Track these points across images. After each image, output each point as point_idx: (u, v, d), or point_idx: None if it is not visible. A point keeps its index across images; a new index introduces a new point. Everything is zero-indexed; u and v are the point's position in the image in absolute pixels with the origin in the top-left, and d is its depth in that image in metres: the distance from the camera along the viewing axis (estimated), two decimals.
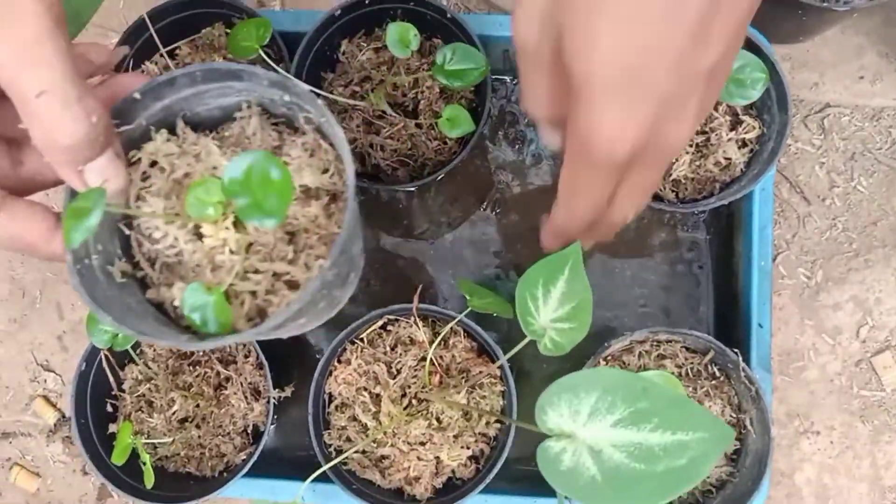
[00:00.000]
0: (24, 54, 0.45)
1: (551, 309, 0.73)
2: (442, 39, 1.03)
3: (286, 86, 0.56)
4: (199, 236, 0.56)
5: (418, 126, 1.00)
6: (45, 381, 1.18)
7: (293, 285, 0.56)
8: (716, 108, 0.96)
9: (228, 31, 1.04)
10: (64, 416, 1.18)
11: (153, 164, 0.57)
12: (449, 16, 0.97)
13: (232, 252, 0.55)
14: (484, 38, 0.97)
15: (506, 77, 1.10)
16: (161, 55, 1.02)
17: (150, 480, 0.91)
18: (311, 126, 0.60)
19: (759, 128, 0.97)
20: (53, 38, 0.45)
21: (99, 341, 0.90)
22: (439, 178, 0.98)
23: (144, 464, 0.91)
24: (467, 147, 0.96)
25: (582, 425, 0.57)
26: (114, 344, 0.90)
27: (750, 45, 0.94)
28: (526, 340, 0.77)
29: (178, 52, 1.04)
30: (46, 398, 1.18)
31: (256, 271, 0.55)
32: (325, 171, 0.59)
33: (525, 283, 0.74)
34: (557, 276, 0.73)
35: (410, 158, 1.01)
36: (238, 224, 0.54)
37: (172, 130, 0.58)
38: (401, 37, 0.94)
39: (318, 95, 0.96)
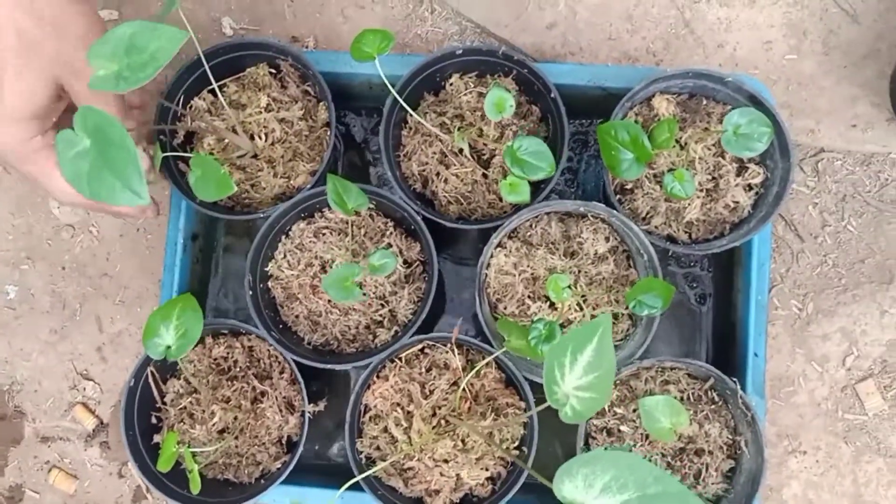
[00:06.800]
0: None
1: (576, 376, 0.74)
2: (540, 109, 1.11)
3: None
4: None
5: (484, 176, 1.07)
6: (85, 389, 1.26)
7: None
8: (723, 156, 1.05)
9: (272, 70, 1.12)
10: (102, 423, 1.25)
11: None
12: (552, 95, 1.05)
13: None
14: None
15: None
16: (209, 91, 1.10)
17: (196, 487, 0.98)
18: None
19: (764, 173, 1.06)
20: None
21: (154, 353, 0.96)
22: (482, 226, 1.06)
23: (191, 471, 0.98)
24: (517, 214, 1.03)
25: (593, 498, 0.62)
26: (167, 355, 0.97)
27: (753, 101, 1.03)
28: (546, 404, 0.78)
29: (225, 89, 1.11)
30: (86, 405, 1.25)
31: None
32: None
33: (554, 351, 0.75)
34: (586, 344, 0.74)
35: (465, 200, 1.09)
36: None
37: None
38: (498, 102, 1.01)
39: (411, 116, 1.07)
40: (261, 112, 1.09)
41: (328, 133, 1.09)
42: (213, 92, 1.09)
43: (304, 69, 1.10)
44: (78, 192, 0.76)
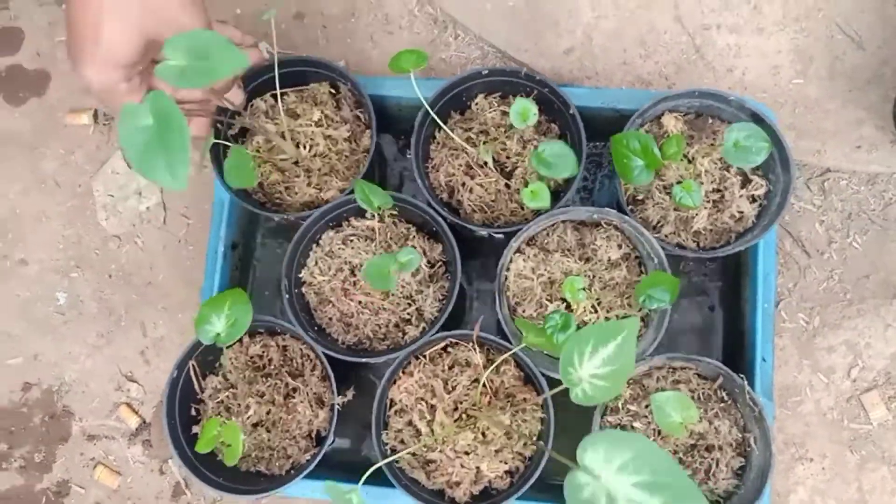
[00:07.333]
0: None
1: (594, 365, 0.81)
2: (559, 126, 1.19)
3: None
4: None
5: (507, 186, 1.15)
6: (129, 390, 1.33)
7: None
8: (728, 170, 1.12)
9: (332, 90, 1.22)
10: (145, 422, 1.32)
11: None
12: (571, 112, 1.13)
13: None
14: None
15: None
16: (272, 95, 1.20)
17: (232, 458, 1.03)
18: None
19: (766, 185, 1.13)
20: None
21: (205, 338, 1.04)
22: (505, 231, 1.13)
23: (229, 446, 1.04)
24: (538, 219, 1.10)
25: (610, 473, 0.68)
26: (217, 340, 1.05)
27: (755, 119, 1.10)
28: (563, 387, 0.86)
29: (285, 97, 1.21)
30: (129, 405, 1.33)
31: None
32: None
33: (576, 339, 0.82)
34: (610, 340, 0.80)
35: (489, 208, 1.17)
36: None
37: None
38: (523, 111, 1.09)
39: (439, 131, 1.17)
40: (311, 125, 1.18)
41: (366, 159, 1.17)
42: (274, 97, 1.19)
43: (359, 96, 1.19)
44: (126, 158, 0.85)
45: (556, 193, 1.14)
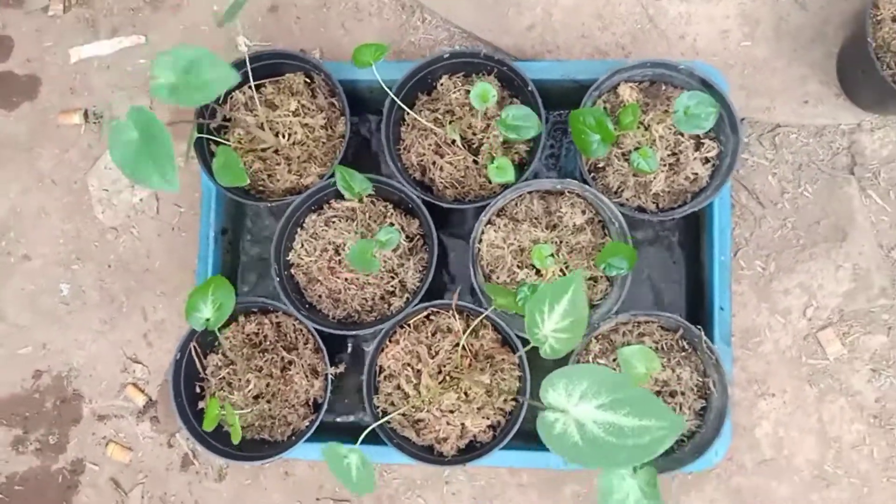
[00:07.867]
0: None
1: (554, 321, 0.89)
2: (520, 101, 1.26)
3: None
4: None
5: (475, 162, 1.23)
6: (135, 371, 1.42)
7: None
8: (682, 134, 1.20)
9: (307, 80, 1.29)
10: (151, 400, 1.41)
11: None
12: (529, 88, 1.20)
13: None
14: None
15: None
16: (249, 87, 1.26)
17: (237, 438, 1.14)
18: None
19: (718, 147, 1.21)
20: None
21: (196, 325, 1.13)
22: (476, 205, 1.21)
23: (232, 425, 1.14)
24: (505, 192, 1.18)
25: (573, 405, 0.76)
26: (207, 325, 1.14)
27: (705, 84, 1.18)
28: (532, 345, 0.94)
29: (263, 88, 1.28)
30: (136, 385, 1.42)
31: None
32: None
33: (534, 302, 0.91)
34: (562, 296, 0.89)
35: (459, 184, 1.25)
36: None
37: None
38: (482, 93, 1.17)
39: (408, 114, 1.22)
40: (289, 115, 1.25)
41: (342, 144, 1.24)
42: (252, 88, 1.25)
43: (333, 85, 1.25)
44: (122, 172, 0.91)
45: (522, 167, 1.22)
